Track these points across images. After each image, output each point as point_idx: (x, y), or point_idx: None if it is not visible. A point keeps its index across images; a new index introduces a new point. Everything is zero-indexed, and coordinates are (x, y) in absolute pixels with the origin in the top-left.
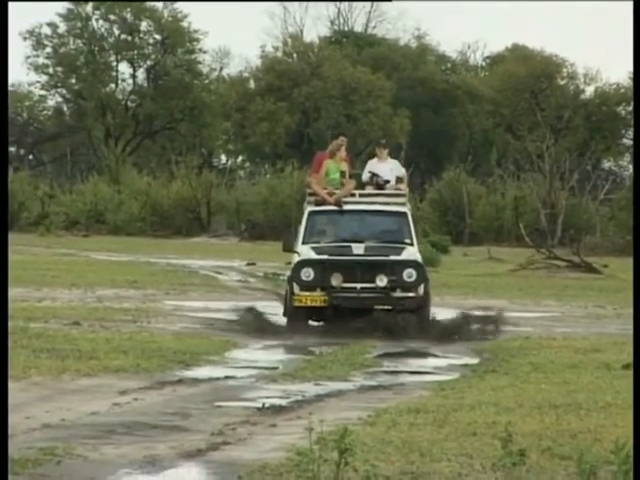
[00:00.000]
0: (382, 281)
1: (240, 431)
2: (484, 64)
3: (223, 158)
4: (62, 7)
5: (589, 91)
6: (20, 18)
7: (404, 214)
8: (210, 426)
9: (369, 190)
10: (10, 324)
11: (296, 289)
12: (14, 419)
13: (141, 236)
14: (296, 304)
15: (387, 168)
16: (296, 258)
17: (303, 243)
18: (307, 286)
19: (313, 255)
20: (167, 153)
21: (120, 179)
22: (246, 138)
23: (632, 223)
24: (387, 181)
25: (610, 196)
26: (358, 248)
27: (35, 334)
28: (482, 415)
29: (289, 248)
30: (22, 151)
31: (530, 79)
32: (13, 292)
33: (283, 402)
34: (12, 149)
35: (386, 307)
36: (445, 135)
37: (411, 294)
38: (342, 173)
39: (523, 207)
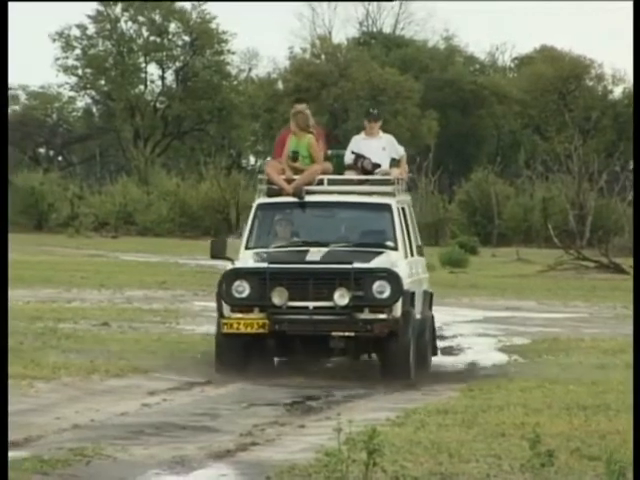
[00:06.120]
0: (343, 298)
1: (269, 432)
2: (512, 65)
3: (252, 159)
4: (91, 9)
5: (617, 92)
6: (50, 20)
7: (387, 207)
8: (239, 427)
9: (348, 175)
10: (40, 325)
11: (226, 310)
12: (44, 419)
13: (170, 237)
14: (226, 330)
15: (377, 147)
16: (228, 266)
17: (247, 247)
18: (240, 305)
19: (250, 263)
20: (196, 154)
21: (149, 180)
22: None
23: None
24: (377, 165)
25: None
26: (315, 254)
27: (64, 335)
28: (510, 416)
29: (218, 253)
30: (52, 152)
31: (558, 80)
32: (43, 293)
33: (312, 403)
34: (42, 150)
35: (348, 334)
36: (473, 136)
37: (382, 315)
38: (294, 153)
39: (552, 208)
